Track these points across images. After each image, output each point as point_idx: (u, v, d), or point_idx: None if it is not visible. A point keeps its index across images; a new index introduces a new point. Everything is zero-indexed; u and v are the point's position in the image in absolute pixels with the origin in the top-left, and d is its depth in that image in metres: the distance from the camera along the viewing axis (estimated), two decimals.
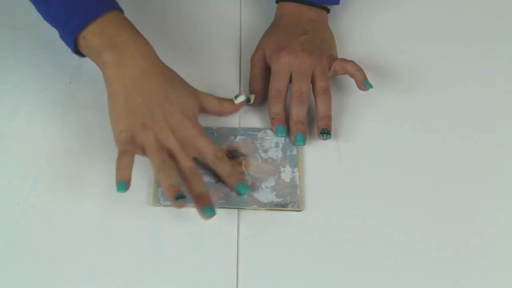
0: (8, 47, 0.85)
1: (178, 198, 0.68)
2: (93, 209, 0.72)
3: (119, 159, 0.69)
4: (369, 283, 0.69)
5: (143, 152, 0.71)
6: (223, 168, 0.73)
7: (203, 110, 0.76)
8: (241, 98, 0.77)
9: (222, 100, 0.77)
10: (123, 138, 0.70)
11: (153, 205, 0.73)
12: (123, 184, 0.68)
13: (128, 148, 0.69)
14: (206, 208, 0.69)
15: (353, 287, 0.69)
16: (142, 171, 0.74)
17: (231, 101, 0.77)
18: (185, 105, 0.73)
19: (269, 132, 0.79)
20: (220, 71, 0.84)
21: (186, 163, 0.71)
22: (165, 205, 0.73)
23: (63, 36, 0.73)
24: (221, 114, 0.77)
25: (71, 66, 0.83)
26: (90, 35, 0.71)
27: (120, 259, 0.69)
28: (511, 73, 0.86)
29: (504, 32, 0.90)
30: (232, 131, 0.78)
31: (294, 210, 0.73)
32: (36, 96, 0.81)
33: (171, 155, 0.71)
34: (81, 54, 0.74)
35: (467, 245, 0.71)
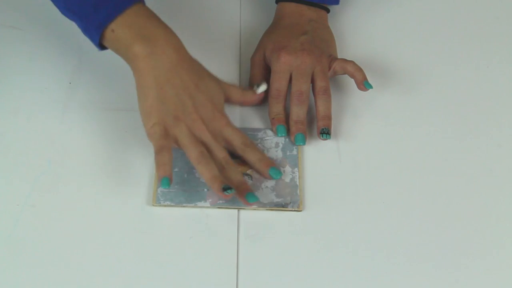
0: (8, 47, 0.85)
1: (227, 190, 0.69)
2: (93, 209, 0.72)
3: (158, 155, 0.69)
4: (369, 283, 0.69)
5: (177, 144, 0.71)
6: (253, 154, 0.73)
7: (227, 100, 0.77)
8: (262, 88, 0.78)
9: (244, 90, 0.79)
10: (157, 132, 0.70)
11: (153, 205, 0.73)
12: (167, 179, 0.69)
13: (164, 143, 0.70)
14: (249, 195, 0.70)
15: (353, 287, 0.69)
16: (142, 171, 0.74)
17: (253, 91, 0.79)
18: (214, 95, 0.74)
19: (269, 132, 0.79)
20: (220, 71, 0.83)
21: (220, 153, 0.72)
22: (165, 205, 0.73)
23: (87, 29, 0.72)
24: (244, 103, 0.79)
25: (71, 66, 0.83)
26: (119, 28, 0.70)
27: (120, 259, 0.69)
28: (511, 73, 0.86)
29: (504, 32, 0.90)
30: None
31: (294, 210, 0.73)
32: (36, 96, 0.81)
33: (204, 146, 0.71)
34: (102, 47, 0.73)
35: (467, 245, 0.71)
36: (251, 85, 0.81)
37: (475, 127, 0.80)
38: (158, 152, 0.70)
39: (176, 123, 0.71)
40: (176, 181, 0.74)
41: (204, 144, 0.72)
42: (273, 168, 0.73)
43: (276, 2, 0.86)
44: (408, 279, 0.69)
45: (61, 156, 0.76)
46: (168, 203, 0.73)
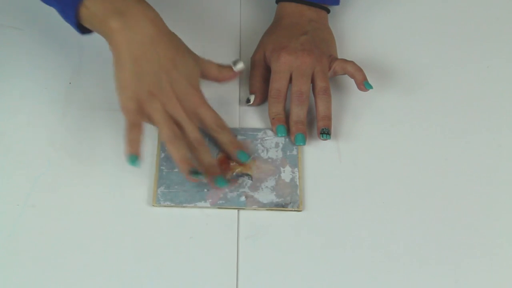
0: (8, 47, 0.85)
1: (194, 173, 0.69)
2: (93, 209, 0.72)
3: (129, 131, 0.69)
4: (369, 283, 0.69)
5: (151, 120, 0.71)
6: (224, 136, 0.74)
7: (203, 76, 0.76)
8: (240, 65, 0.77)
9: (221, 67, 0.77)
10: (131, 107, 0.70)
11: (153, 205, 0.73)
12: (135, 157, 0.69)
13: (137, 119, 0.70)
14: (218, 179, 0.71)
15: (353, 287, 0.69)
16: (142, 171, 0.74)
17: (230, 68, 0.77)
18: (190, 72, 0.73)
19: (269, 132, 0.79)
20: None
21: (193, 133, 0.71)
22: (165, 206, 0.73)
23: (63, 12, 0.71)
24: (220, 80, 0.77)
25: (71, 66, 0.83)
26: (94, 4, 0.69)
27: (120, 259, 0.69)
28: (511, 73, 0.86)
29: (504, 32, 0.90)
30: (232, 131, 0.78)
31: (294, 210, 0.73)
32: (36, 96, 0.81)
33: (177, 124, 0.71)
34: (83, 31, 0.73)
35: (467, 245, 0.71)
36: (251, 85, 0.81)
37: (475, 127, 0.80)
38: (130, 128, 0.69)
39: (150, 99, 0.70)
40: (176, 181, 0.74)
41: (177, 123, 0.71)
42: (241, 151, 0.73)
43: (276, 2, 0.86)
44: (408, 279, 0.69)
45: (61, 156, 0.76)
46: (168, 203, 0.73)
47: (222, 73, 0.77)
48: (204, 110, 0.73)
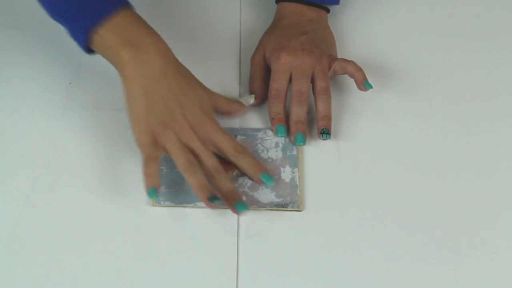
0: (8, 47, 0.85)
1: (213, 200, 0.69)
2: (93, 209, 0.72)
3: (146, 165, 0.70)
4: (369, 283, 0.69)
5: (166, 152, 0.71)
6: (245, 160, 0.73)
7: (214, 109, 0.76)
8: (250, 100, 0.78)
9: (231, 100, 0.77)
10: (146, 141, 0.70)
11: (153, 205, 0.73)
12: (154, 190, 0.69)
13: (153, 152, 0.70)
14: (239, 204, 0.70)
15: (353, 287, 0.69)
16: (142, 172, 0.74)
17: (239, 102, 0.78)
18: (202, 101, 0.73)
19: (269, 132, 0.79)
20: (220, 71, 0.84)
21: (209, 161, 0.71)
22: (165, 206, 0.73)
23: (74, 34, 0.72)
24: (230, 114, 0.77)
25: (71, 66, 0.83)
26: (107, 33, 0.69)
27: (120, 259, 0.69)
28: (511, 73, 0.86)
29: (504, 32, 0.90)
30: (232, 131, 0.78)
31: (294, 210, 0.73)
32: (36, 96, 0.81)
33: (193, 153, 0.71)
34: (90, 51, 0.73)
35: (467, 245, 0.71)
36: (251, 85, 0.81)
37: (475, 127, 0.80)
38: (146, 163, 0.70)
39: (164, 130, 0.70)
40: (176, 181, 0.74)
41: (193, 152, 0.71)
42: (265, 173, 0.73)
43: (276, 2, 0.86)
44: (408, 279, 0.69)
45: (61, 156, 0.76)
46: (168, 203, 0.73)
47: (231, 107, 0.77)
48: (220, 136, 0.72)
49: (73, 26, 0.71)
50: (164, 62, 0.70)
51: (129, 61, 0.69)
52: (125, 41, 0.69)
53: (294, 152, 0.77)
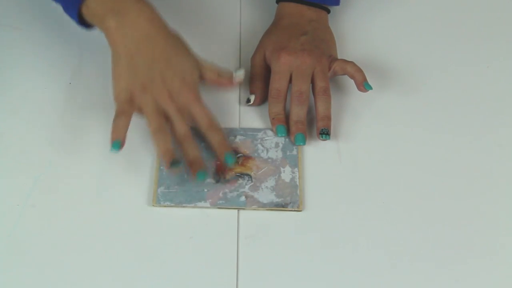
0: (8, 47, 0.85)
1: (173, 164, 0.70)
2: (93, 209, 0.72)
3: (116, 118, 0.72)
4: (369, 283, 0.69)
5: (141, 112, 0.73)
6: (214, 136, 0.74)
7: (203, 79, 0.77)
8: (239, 72, 0.78)
9: (221, 73, 0.78)
10: (122, 97, 0.73)
11: (153, 205, 0.73)
12: (118, 142, 0.71)
13: (126, 108, 0.72)
14: (200, 173, 0.72)
15: (353, 286, 0.69)
16: (142, 171, 0.74)
17: (230, 75, 0.78)
18: (186, 71, 0.75)
19: (269, 132, 0.79)
20: None
21: (181, 128, 0.73)
22: (165, 206, 0.73)
23: (66, 8, 0.75)
24: (218, 85, 0.79)
25: (71, 66, 0.83)
26: (94, 4, 0.73)
27: (120, 259, 0.69)
28: (511, 73, 0.86)
29: (504, 32, 0.90)
30: (232, 131, 0.78)
31: (294, 210, 0.73)
32: (36, 96, 0.81)
33: (167, 119, 0.73)
34: (87, 26, 0.76)
35: (467, 245, 0.71)
36: (251, 85, 0.81)
37: (475, 127, 0.80)
38: (117, 115, 0.72)
39: (142, 92, 0.73)
40: (177, 181, 0.74)
41: (168, 118, 0.73)
42: (229, 153, 0.74)
43: (277, 2, 0.86)
44: (408, 279, 0.69)
45: (61, 156, 0.76)
46: (168, 203, 0.73)
47: (220, 79, 0.78)
48: (197, 108, 0.74)
49: (65, 2, 0.75)
50: (149, 26, 0.73)
51: (114, 27, 0.72)
52: (110, 9, 0.73)
53: (294, 152, 0.77)
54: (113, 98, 0.73)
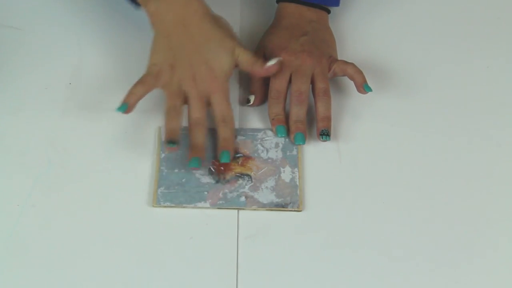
0: (8, 47, 0.85)
1: (171, 142, 0.72)
2: (93, 210, 0.72)
3: (136, 85, 0.74)
4: (369, 283, 0.69)
5: (163, 88, 0.75)
6: (225, 130, 0.75)
7: (237, 66, 0.78)
8: (273, 61, 0.77)
9: (256, 59, 0.77)
10: (151, 70, 0.75)
11: (153, 206, 0.73)
12: (125, 106, 0.73)
13: (149, 80, 0.74)
14: (193, 159, 0.73)
15: (353, 286, 0.69)
16: (142, 172, 0.74)
17: (262, 64, 0.77)
18: (215, 59, 0.76)
19: (269, 133, 0.79)
20: None
21: (196, 113, 0.75)
22: (165, 206, 0.73)
23: None
24: (252, 74, 0.79)
25: (71, 66, 0.83)
26: None
27: (121, 260, 0.69)
28: (511, 73, 0.86)
29: (504, 32, 0.90)
30: (235, 131, 0.78)
31: (294, 210, 0.73)
32: (36, 96, 0.81)
33: (186, 102, 0.75)
34: (136, 5, 0.79)
35: (467, 245, 0.71)
36: (251, 85, 0.81)
37: (475, 127, 0.80)
38: (139, 83, 0.74)
39: (169, 70, 0.75)
40: (177, 182, 0.74)
41: (187, 100, 0.75)
42: (227, 152, 0.74)
43: (277, 2, 0.86)
44: (408, 279, 0.69)
45: (61, 156, 0.76)
46: (168, 204, 0.73)
47: (253, 67, 0.78)
48: (217, 97, 0.76)
49: None
50: (183, 11, 0.76)
51: (152, 11, 0.76)
52: None
53: (294, 152, 0.77)
54: (147, 67, 0.75)
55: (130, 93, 0.73)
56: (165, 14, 0.76)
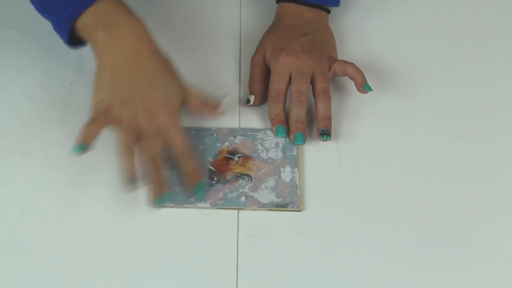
0: (8, 47, 0.85)
1: (129, 182, 0.70)
2: (93, 210, 0.72)
3: (88, 125, 0.70)
4: (369, 284, 0.69)
5: (115, 126, 0.72)
6: (187, 164, 0.73)
7: (186, 105, 0.76)
8: (227, 103, 0.77)
9: (206, 100, 0.77)
10: (99, 107, 0.71)
11: (153, 206, 0.73)
12: (85, 146, 0.69)
13: (101, 119, 0.71)
14: (157, 200, 0.71)
15: (352, 287, 0.69)
16: (142, 172, 0.74)
17: (215, 105, 0.77)
18: (168, 95, 0.73)
19: (269, 133, 0.79)
20: (220, 71, 0.84)
21: (152, 150, 0.72)
22: (165, 206, 0.73)
23: (58, 25, 0.74)
24: (201, 114, 0.77)
25: (71, 66, 0.83)
26: (86, 17, 0.72)
27: (121, 260, 0.69)
28: (511, 73, 0.86)
29: (504, 32, 0.90)
30: (232, 132, 0.78)
31: (294, 210, 0.73)
32: (36, 96, 0.81)
33: (141, 138, 0.71)
34: (73, 45, 0.75)
35: (467, 245, 0.71)
36: (251, 86, 0.81)
37: (475, 127, 0.80)
38: (90, 122, 0.70)
39: (121, 106, 0.71)
40: (177, 182, 0.74)
41: (142, 137, 0.72)
42: (199, 185, 0.73)
43: (277, 2, 0.86)
44: (408, 279, 0.69)
45: (61, 156, 0.76)
46: (168, 204, 0.73)
47: (204, 107, 0.77)
48: (173, 132, 0.72)
49: (56, 18, 0.73)
50: (137, 44, 0.72)
51: (101, 40, 0.72)
52: (100, 23, 0.72)
53: (294, 153, 0.77)
54: (90, 107, 0.72)
55: (86, 134, 0.70)
56: (117, 46, 0.72)
